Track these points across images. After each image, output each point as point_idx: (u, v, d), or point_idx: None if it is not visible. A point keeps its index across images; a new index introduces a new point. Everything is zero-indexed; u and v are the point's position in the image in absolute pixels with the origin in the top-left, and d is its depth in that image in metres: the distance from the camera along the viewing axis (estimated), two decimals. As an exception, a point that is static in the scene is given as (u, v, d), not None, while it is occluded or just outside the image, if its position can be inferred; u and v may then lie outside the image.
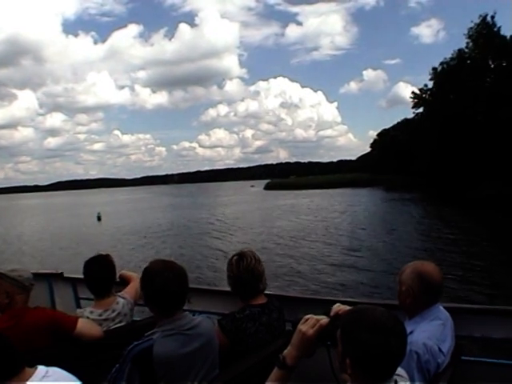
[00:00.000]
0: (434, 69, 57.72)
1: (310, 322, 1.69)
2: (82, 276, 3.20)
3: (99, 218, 44.31)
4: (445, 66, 55.50)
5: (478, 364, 2.55)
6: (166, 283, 2.09)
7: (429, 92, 60.56)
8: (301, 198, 60.05)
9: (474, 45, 51.30)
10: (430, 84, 59.74)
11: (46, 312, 2.85)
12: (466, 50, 53.16)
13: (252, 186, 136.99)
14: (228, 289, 2.79)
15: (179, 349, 2.04)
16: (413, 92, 64.30)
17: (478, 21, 49.52)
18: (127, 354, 2.01)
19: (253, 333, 2.52)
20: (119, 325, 2.97)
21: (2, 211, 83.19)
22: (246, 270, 2.62)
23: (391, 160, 76.01)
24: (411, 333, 2.16)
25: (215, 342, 2.23)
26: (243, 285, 2.63)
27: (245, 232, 28.91)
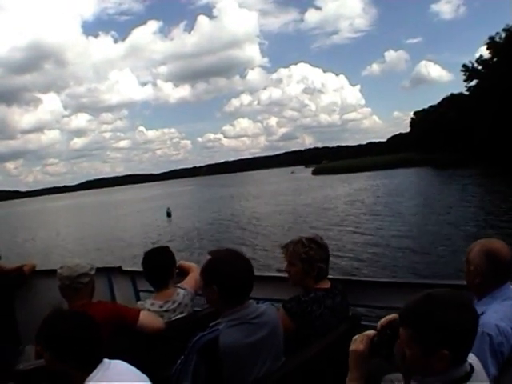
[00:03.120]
0: (491, 38, 55.35)
1: (358, 339, 1.69)
2: (140, 269, 3.25)
3: (169, 214, 39.63)
4: (504, 34, 53.07)
5: None
6: (240, 272, 2.08)
7: (482, 63, 58.18)
8: (378, 179, 54.66)
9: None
10: (485, 55, 57.48)
11: (108, 306, 2.91)
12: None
13: (292, 172, 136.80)
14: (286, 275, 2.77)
15: (245, 338, 2.02)
16: (464, 65, 62.09)
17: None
18: (193, 346, 1.99)
19: (318, 316, 2.50)
20: (180, 316, 3.00)
21: (51, 213, 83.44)
22: (326, 252, 2.72)
23: (437, 138, 73.64)
24: (482, 314, 2.07)
25: (280, 330, 2.20)
26: (321, 264, 2.67)
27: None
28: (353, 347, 1.68)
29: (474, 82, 61.23)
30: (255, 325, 2.07)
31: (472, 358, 1.52)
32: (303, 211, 30.88)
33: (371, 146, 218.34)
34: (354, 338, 1.71)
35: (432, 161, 68.23)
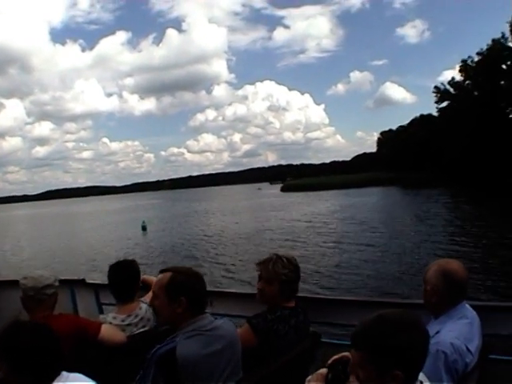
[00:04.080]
0: (464, 61, 57.31)
1: (313, 379, 1.70)
2: (103, 282, 3.22)
3: (144, 228, 36.79)
4: (477, 57, 54.96)
5: (507, 362, 2.51)
6: (203, 283, 2.19)
7: (454, 85, 60.02)
8: (353, 197, 53.45)
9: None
10: (457, 78, 59.56)
11: (70, 318, 2.87)
12: (502, 41, 52.81)
13: (259, 189, 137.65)
14: (251, 291, 2.78)
15: (202, 349, 2.02)
16: (435, 87, 64.10)
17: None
18: (151, 358, 2.00)
19: (283, 335, 2.50)
20: (142, 330, 2.97)
21: (12, 223, 78.29)
22: (299, 273, 2.74)
23: (407, 158, 74.97)
24: (438, 332, 2.13)
25: (238, 344, 2.20)
26: (295, 286, 2.70)
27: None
28: None
29: (445, 104, 63.01)
30: (210, 337, 2.08)
31: (421, 376, 1.55)
32: (295, 228, 29.51)
33: (335, 164, 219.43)
34: (308, 379, 1.71)
35: (400, 180, 69.07)
